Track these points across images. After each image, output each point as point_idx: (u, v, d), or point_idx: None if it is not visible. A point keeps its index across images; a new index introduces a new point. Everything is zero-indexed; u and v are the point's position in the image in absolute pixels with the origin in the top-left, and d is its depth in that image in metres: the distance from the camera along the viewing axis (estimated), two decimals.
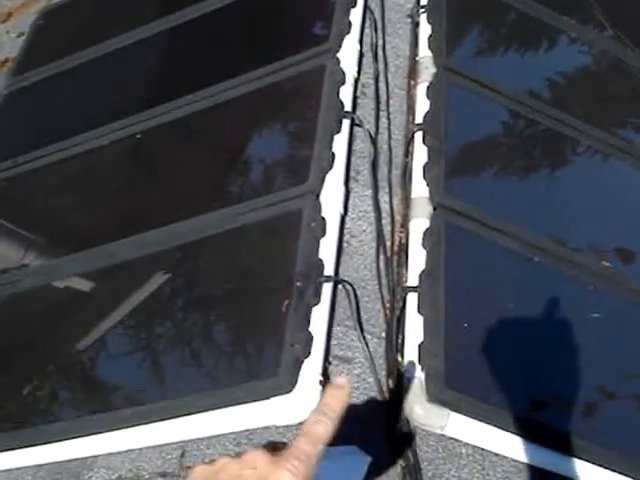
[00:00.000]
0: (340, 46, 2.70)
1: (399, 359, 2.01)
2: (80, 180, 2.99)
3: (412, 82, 2.75)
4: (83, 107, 3.35)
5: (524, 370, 2.01)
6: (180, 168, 2.73)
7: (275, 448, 1.06)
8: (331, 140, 2.39)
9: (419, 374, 1.92)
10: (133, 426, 2.03)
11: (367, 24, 2.88)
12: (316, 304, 2.02)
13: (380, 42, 2.84)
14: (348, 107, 2.52)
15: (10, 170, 3.16)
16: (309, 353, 1.93)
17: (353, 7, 2.84)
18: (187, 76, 3.09)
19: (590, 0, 3.44)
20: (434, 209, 2.29)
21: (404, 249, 2.26)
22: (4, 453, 2.19)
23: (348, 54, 2.68)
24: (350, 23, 2.78)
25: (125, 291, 2.46)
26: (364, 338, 2.05)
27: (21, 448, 2.17)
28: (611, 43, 3.28)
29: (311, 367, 1.91)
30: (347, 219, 2.31)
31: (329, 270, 2.11)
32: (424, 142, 2.46)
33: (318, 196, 2.27)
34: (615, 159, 2.76)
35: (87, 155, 3.01)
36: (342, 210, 2.29)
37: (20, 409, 2.29)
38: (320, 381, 1.90)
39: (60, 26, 4.03)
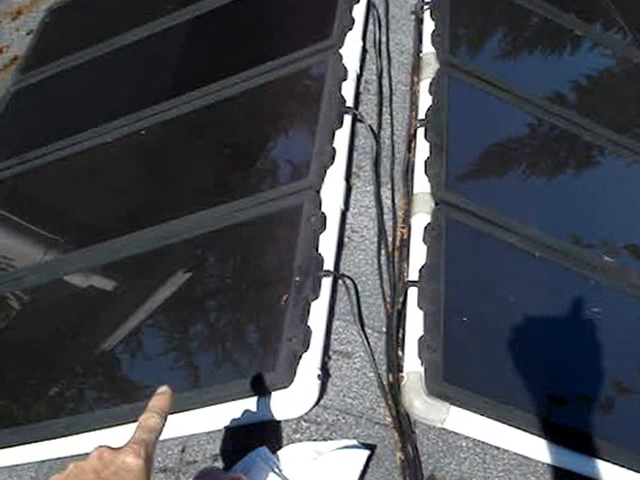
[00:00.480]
0: (342, 42, 2.70)
1: (400, 354, 2.01)
2: (85, 176, 3.00)
3: (415, 78, 2.75)
4: (89, 104, 3.36)
5: (523, 363, 2.00)
6: (183, 164, 2.74)
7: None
8: (332, 135, 2.39)
9: (418, 368, 1.92)
10: (134, 422, 2.03)
11: (371, 20, 2.88)
12: (315, 298, 2.01)
13: (384, 38, 2.85)
14: (350, 103, 2.52)
15: (18, 166, 3.17)
16: (307, 347, 1.92)
17: (356, 3, 2.85)
18: (190, 73, 3.10)
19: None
20: (435, 205, 2.29)
21: (405, 244, 2.26)
22: (8, 449, 2.20)
23: (351, 50, 2.68)
24: (353, 19, 2.78)
25: (127, 287, 2.47)
26: (364, 333, 2.05)
27: (24, 444, 2.18)
28: (617, 41, 3.27)
29: (309, 361, 1.90)
30: (349, 214, 2.31)
31: (329, 265, 2.11)
32: (426, 138, 2.46)
33: (318, 191, 2.27)
34: (621, 157, 2.75)
35: (92, 151, 3.02)
36: (343, 205, 2.29)
37: (23, 405, 2.30)
38: (318, 375, 1.90)
39: (67, 24, 4.04)
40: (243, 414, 1.91)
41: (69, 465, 1.18)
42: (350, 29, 2.74)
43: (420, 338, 1.97)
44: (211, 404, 1.93)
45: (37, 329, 2.54)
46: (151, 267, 2.44)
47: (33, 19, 4.36)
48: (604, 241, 2.44)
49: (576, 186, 2.64)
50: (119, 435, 2.03)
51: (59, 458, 2.14)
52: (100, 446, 1.19)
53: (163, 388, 1.39)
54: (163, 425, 1.29)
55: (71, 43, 3.78)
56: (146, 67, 3.38)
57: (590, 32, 3.24)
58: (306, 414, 1.89)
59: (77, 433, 2.11)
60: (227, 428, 1.95)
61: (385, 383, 1.97)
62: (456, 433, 1.93)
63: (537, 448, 1.91)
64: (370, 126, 2.50)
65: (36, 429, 2.17)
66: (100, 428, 2.08)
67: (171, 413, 1.95)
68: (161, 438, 1.98)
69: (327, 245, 2.14)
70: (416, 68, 2.79)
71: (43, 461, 2.17)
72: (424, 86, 2.65)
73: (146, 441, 1.21)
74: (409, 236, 2.26)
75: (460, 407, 1.89)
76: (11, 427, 2.22)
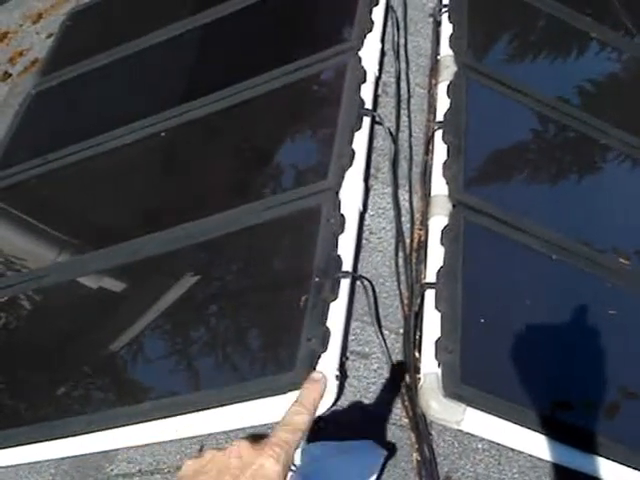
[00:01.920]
0: (362, 44, 2.70)
1: (417, 355, 2.01)
2: (105, 177, 3.02)
3: (433, 81, 2.75)
4: (109, 106, 3.38)
5: (540, 366, 2.00)
6: (203, 165, 2.75)
7: (257, 439, 1.12)
8: (351, 137, 2.40)
9: (435, 369, 1.92)
10: (153, 420, 2.04)
11: (389, 23, 2.88)
12: (334, 299, 2.02)
13: (402, 41, 2.85)
14: (369, 105, 2.52)
15: (39, 168, 3.19)
16: (326, 348, 1.93)
17: (375, 6, 2.85)
18: (211, 74, 3.12)
19: (615, 2, 3.42)
20: (453, 207, 2.29)
21: (423, 246, 2.26)
22: (28, 446, 2.21)
23: (370, 52, 2.69)
24: (372, 22, 2.79)
25: (147, 287, 2.48)
26: (382, 334, 2.05)
27: (44, 441, 2.19)
28: (632, 43, 3.26)
29: (327, 362, 1.91)
30: (367, 216, 2.32)
31: (347, 266, 2.11)
32: (444, 140, 2.46)
33: (337, 193, 2.27)
34: (634, 159, 2.74)
35: (113, 153, 3.03)
36: (361, 207, 2.29)
37: (42, 402, 2.31)
38: (337, 376, 1.90)
39: (87, 27, 4.07)
40: (261, 413, 1.92)
41: (205, 453, 1.11)
42: (369, 31, 2.75)
43: (437, 340, 1.97)
44: (229, 403, 1.94)
45: (56, 328, 2.56)
46: (172, 267, 2.45)
47: (53, 22, 4.39)
48: (620, 244, 2.43)
49: (593, 188, 2.63)
50: (139, 431, 2.05)
51: (78, 455, 2.15)
52: (241, 440, 1.11)
53: (317, 375, 1.27)
54: (310, 423, 1.18)
55: (91, 46, 3.80)
56: (166, 69, 3.40)
57: (605, 34, 3.22)
58: (324, 414, 1.89)
59: (97, 431, 2.12)
60: (245, 427, 1.95)
61: (402, 384, 1.97)
62: (472, 435, 1.93)
63: (552, 450, 1.90)
64: (388, 128, 2.50)
65: (56, 426, 2.18)
66: (120, 426, 2.09)
67: (192, 412, 1.98)
68: (179, 437, 2.01)
69: (346, 246, 2.15)
70: (434, 70, 2.79)
71: (63, 458, 2.18)
72: (442, 88, 2.65)
73: (289, 443, 1.11)
74: (426, 238, 2.26)
75: (476, 409, 1.88)
76: (31, 424, 2.24)
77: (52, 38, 4.17)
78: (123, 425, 2.09)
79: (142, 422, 2.06)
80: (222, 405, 1.94)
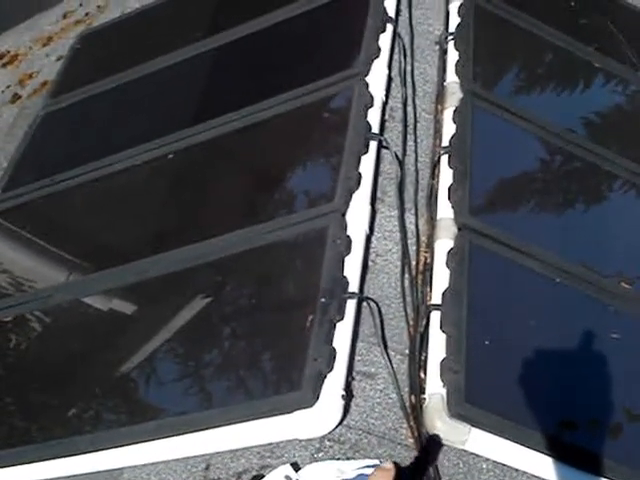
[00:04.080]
0: (369, 70, 2.74)
1: (422, 375, 2.03)
2: (113, 198, 3.04)
3: (439, 107, 2.79)
4: (117, 128, 3.41)
5: (544, 388, 2.02)
6: (211, 187, 2.77)
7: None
8: (358, 161, 2.43)
9: (440, 390, 1.94)
10: (159, 439, 2.05)
11: (396, 50, 2.91)
12: (340, 320, 2.04)
13: (409, 67, 2.88)
14: (376, 129, 2.56)
15: (47, 188, 3.21)
16: (332, 368, 1.94)
17: (382, 32, 2.89)
18: (219, 98, 3.14)
19: (616, 33, 3.46)
20: (458, 230, 2.32)
21: (429, 269, 2.29)
22: (34, 464, 2.22)
23: (376, 78, 2.72)
24: (379, 48, 2.82)
25: (154, 306, 2.50)
26: (388, 355, 2.07)
27: (50, 460, 2.20)
28: (632, 74, 3.30)
29: (333, 382, 1.93)
30: (373, 238, 2.34)
31: (354, 287, 2.13)
32: (450, 165, 2.49)
33: (344, 215, 2.30)
34: (637, 189, 2.78)
35: (121, 174, 3.06)
36: (368, 229, 2.32)
37: (49, 421, 2.32)
38: (342, 395, 1.92)
39: (96, 51, 4.12)
40: (267, 432, 1.93)
41: None
42: (376, 58, 2.78)
43: (442, 360, 2.00)
44: (237, 422, 1.95)
45: (64, 347, 2.57)
46: (180, 287, 2.46)
47: (63, 46, 4.44)
48: (622, 268, 2.46)
49: (596, 214, 2.66)
50: (145, 450, 2.06)
51: (85, 474, 2.16)
52: None
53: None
54: None
55: (100, 69, 3.85)
56: (173, 93, 3.43)
57: (607, 64, 3.26)
58: (330, 433, 1.91)
59: (103, 449, 2.13)
60: (251, 446, 1.96)
61: (407, 404, 1.98)
62: (476, 455, 1.94)
63: (556, 471, 1.91)
64: (395, 152, 2.53)
65: (63, 445, 2.19)
66: (126, 445, 2.10)
67: (200, 430, 1.99)
68: (185, 455, 2.02)
69: (352, 268, 2.17)
70: (440, 97, 2.82)
71: (69, 476, 2.19)
72: (448, 114, 2.69)
73: None
74: (432, 260, 2.29)
75: (481, 429, 1.90)
76: (38, 443, 2.25)
77: (61, 61, 4.22)
78: (129, 444, 2.10)
79: (148, 441, 2.07)
80: (229, 424, 1.95)
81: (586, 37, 3.35)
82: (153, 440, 2.06)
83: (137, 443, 2.09)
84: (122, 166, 3.08)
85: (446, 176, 2.48)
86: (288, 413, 1.91)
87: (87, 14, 4.70)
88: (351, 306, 2.09)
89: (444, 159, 2.54)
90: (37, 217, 3.22)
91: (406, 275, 2.26)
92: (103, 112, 3.57)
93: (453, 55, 2.91)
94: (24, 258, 3.04)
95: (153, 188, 3.00)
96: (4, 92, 4.41)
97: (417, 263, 2.31)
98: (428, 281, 2.25)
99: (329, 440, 1.90)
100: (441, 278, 2.20)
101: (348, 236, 2.23)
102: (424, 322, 2.13)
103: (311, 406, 1.89)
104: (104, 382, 2.34)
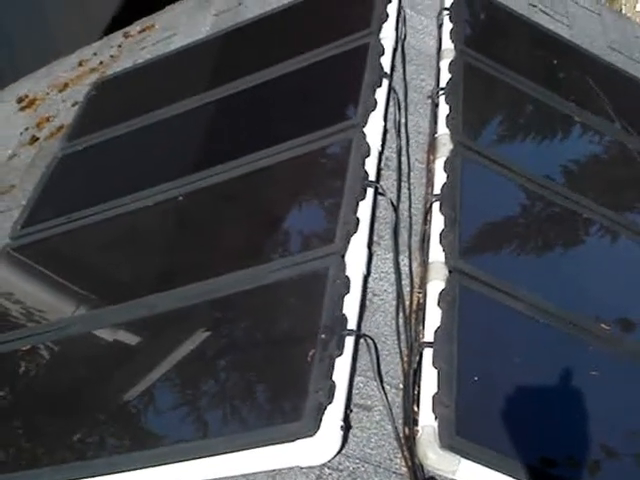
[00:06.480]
0: (366, 122, 2.79)
1: (415, 409, 2.05)
2: (125, 236, 3.07)
3: (431, 157, 2.83)
4: (130, 170, 3.45)
5: (529, 422, 2.05)
6: (217, 228, 2.81)
7: None
8: (356, 206, 2.47)
9: (433, 422, 1.96)
10: (162, 465, 2.07)
11: (391, 103, 2.96)
12: (339, 355, 2.07)
13: (403, 120, 2.92)
14: (372, 177, 2.60)
15: (63, 226, 3.24)
16: (332, 400, 1.97)
17: (379, 87, 2.94)
18: (225, 146, 3.18)
19: (597, 90, 3.52)
20: (449, 272, 2.35)
21: (422, 308, 2.32)
22: None
23: (373, 129, 2.77)
24: (376, 101, 2.87)
25: (162, 340, 2.51)
26: (383, 388, 2.10)
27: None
28: (616, 131, 3.36)
29: (333, 413, 1.95)
30: (370, 279, 2.37)
31: (352, 325, 2.16)
32: (441, 211, 2.54)
33: (343, 257, 2.33)
34: (619, 235, 2.82)
35: (132, 214, 3.09)
36: (365, 270, 2.35)
37: (58, 447, 2.34)
38: (341, 426, 1.94)
39: (111, 98, 4.16)
40: (271, 459, 1.95)
41: None
42: (373, 110, 2.83)
43: (434, 395, 2.03)
44: (241, 449, 1.97)
45: (78, 376, 2.59)
46: (186, 322, 2.48)
47: (78, 92, 4.48)
48: (602, 311, 2.50)
49: (576, 259, 2.71)
50: (148, 476, 2.07)
51: None
52: None
53: None
54: None
55: (113, 115, 3.89)
56: (183, 139, 3.47)
57: (586, 117, 3.32)
58: (329, 462, 1.93)
59: (107, 474, 2.14)
60: (256, 472, 1.98)
61: (402, 435, 2.01)
62: None
63: None
64: (390, 199, 2.58)
65: (75, 468, 2.20)
66: (129, 470, 2.11)
67: (201, 457, 2.01)
68: None
69: (351, 306, 2.20)
70: (432, 147, 2.87)
71: None
72: (439, 164, 2.74)
73: None
74: (425, 301, 2.33)
75: (470, 460, 1.93)
76: (44, 467, 2.26)
77: (77, 106, 4.26)
78: (132, 470, 2.11)
79: (151, 467, 2.08)
80: (235, 451, 1.97)
81: (567, 92, 3.42)
82: (157, 466, 2.07)
83: (140, 469, 2.10)
84: (134, 207, 3.11)
85: (438, 222, 2.52)
86: (290, 442, 1.93)
87: (101, 63, 4.75)
88: (349, 342, 2.12)
89: (436, 206, 2.58)
90: (54, 253, 3.24)
91: (400, 314, 2.29)
92: (117, 156, 3.61)
93: (444, 109, 2.96)
94: (41, 291, 3.06)
95: (163, 228, 3.03)
96: (22, 134, 4.44)
97: (411, 303, 2.35)
98: (421, 320, 2.29)
99: (328, 468, 1.92)
100: (433, 317, 2.24)
101: (347, 277, 2.26)
102: (417, 358, 2.16)
103: (312, 435, 1.91)
104: (114, 410, 2.35)
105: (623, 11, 6.77)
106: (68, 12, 7.22)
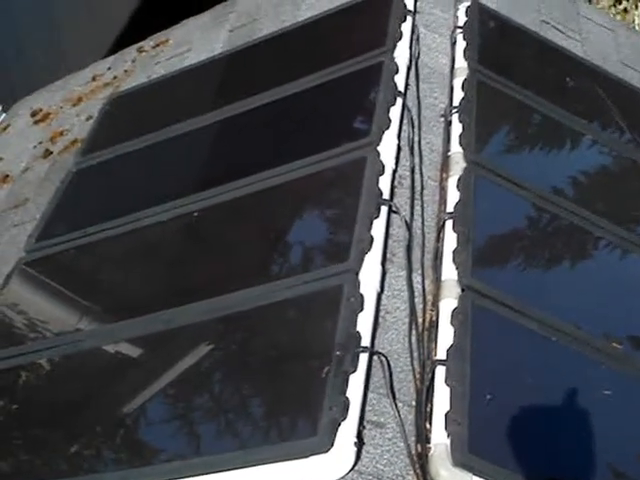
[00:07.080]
0: (380, 140, 2.82)
1: (428, 426, 2.08)
2: (140, 251, 3.11)
3: (444, 175, 2.86)
4: (145, 185, 3.49)
5: (542, 441, 2.07)
6: (231, 244, 2.84)
7: None
8: (370, 224, 2.50)
9: (445, 440, 1.99)
10: (183, 478, 2.10)
11: (405, 121, 2.99)
12: (353, 372, 2.10)
13: (416, 138, 2.96)
14: (386, 195, 2.63)
15: (77, 240, 3.28)
16: (346, 417, 2.00)
17: (392, 105, 2.97)
18: (240, 162, 3.22)
19: (609, 105, 3.55)
20: (462, 290, 2.39)
21: (434, 326, 2.35)
22: None
23: (387, 148, 2.81)
24: (390, 120, 2.90)
25: (175, 354, 2.54)
26: (396, 406, 2.12)
27: None
28: (629, 148, 3.38)
29: (347, 429, 1.98)
30: (383, 297, 2.40)
31: (366, 342, 2.19)
32: (454, 229, 2.57)
33: (357, 274, 2.37)
34: (631, 253, 2.85)
35: (147, 229, 3.13)
36: (379, 288, 2.38)
37: (65, 462, 2.38)
38: (355, 443, 1.97)
39: (125, 112, 4.21)
40: (285, 475, 1.98)
41: None
42: (387, 129, 2.87)
43: (447, 413, 2.05)
44: (256, 464, 2.00)
45: (90, 391, 2.62)
46: (199, 338, 2.52)
47: (92, 106, 4.52)
48: (612, 329, 2.52)
49: (588, 277, 2.73)
50: None
51: None
52: None
53: None
54: None
55: (129, 129, 3.94)
56: (197, 155, 3.51)
57: (600, 136, 3.35)
58: (342, 478, 1.95)
59: None
60: None
61: (414, 453, 2.03)
62: None
63: None
64: (404, 217, 2.61)
65: None
66: None
67: (215, 472, 2.04)
68: None
69: (364, 324, 2.23)
70: (445, 166, 2.90)
71: None
72: (452, 182, 2.77)
73: None
74: (437, 318, 2.36)
75: (482, 477, 1.95)
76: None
77: (91, 120, 4.30)
78: None
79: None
80: (250, 466, 2.00)
81: (579, 109, 3.45)
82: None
83: None
84: (148, 222, 3.15)
85: (450, 240, 2.55)
86: (305, 457, 1.96)
87: (115, 77, 4.79)
88: (363, 359, 2.14)
89: (449, 224, 2.61)
90: (68, 266, 3.28)
91: (413, 331, 2.32)
92: (131, 171, 3.65)
93: (457, 127, 2.99)
94: (55, 304, 3.10)
95: (178, 243, 3.07)
96: (36, 147, 4.49)
97: (423, 321, 2.38)
98: (434, 338, 2.31)
99: None
100: (446, 335, 2.27)
101: (361, 294, 2.30)
102: (430, 376, 2.18)
103: (326, 452, 1.94)
104: (131, 425, 2.39)
105: (636, 21, 6.78)
106: (82, 27, 7.29)
